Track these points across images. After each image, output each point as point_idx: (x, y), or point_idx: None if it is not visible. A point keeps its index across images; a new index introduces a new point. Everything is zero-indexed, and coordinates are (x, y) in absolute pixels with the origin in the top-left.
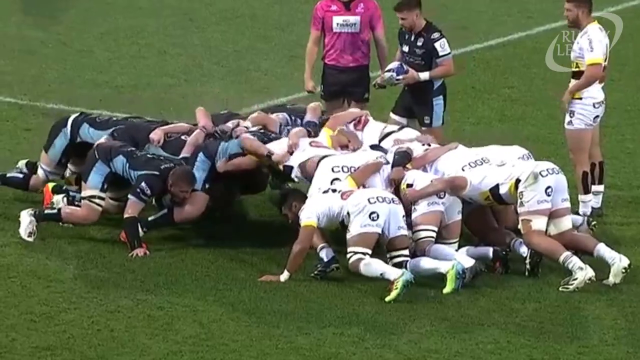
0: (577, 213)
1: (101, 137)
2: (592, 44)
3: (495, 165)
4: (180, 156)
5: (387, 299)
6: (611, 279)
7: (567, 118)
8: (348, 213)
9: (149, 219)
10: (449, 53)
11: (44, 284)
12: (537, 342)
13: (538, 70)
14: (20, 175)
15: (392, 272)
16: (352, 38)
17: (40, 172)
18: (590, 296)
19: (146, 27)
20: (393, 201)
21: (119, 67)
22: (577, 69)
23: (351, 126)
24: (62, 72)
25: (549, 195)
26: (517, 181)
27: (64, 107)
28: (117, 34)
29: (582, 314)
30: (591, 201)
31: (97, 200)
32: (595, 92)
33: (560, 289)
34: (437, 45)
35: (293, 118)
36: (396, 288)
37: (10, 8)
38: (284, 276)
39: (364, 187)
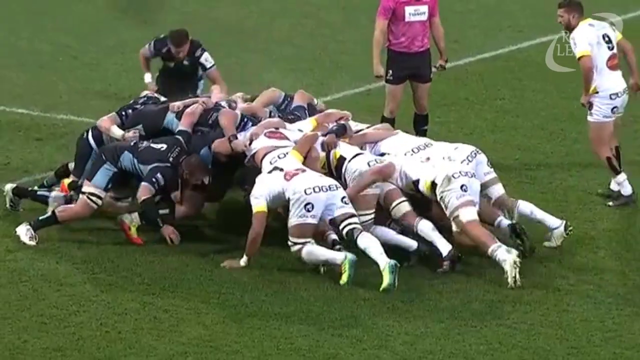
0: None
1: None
2: (575, 40)
3: (419, 161)
4: (178, 129)
5: (341, 282)
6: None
7: (588, 110)
8: (289, 198)
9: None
10: None
11: (55, 287)
12: (527, 343)
13: (529, 83)
14: (47, 194)
15: (335, 257)
16: (422, 25)
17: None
18: (578, 299)
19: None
20: (330, 188)
21: (127, 79)
22: None
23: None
24: (72, 84)
25: (465, 191)
26: (433, 183)
27: (73, 117)
28: (124, 47)
29: (571, 316)
30: (625, 180)
31: (94, 199)
32: (610, 84)
33: (508, 286)
34: None
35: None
36: (345, 271)
37: (23, 22)
38: (244, 260)
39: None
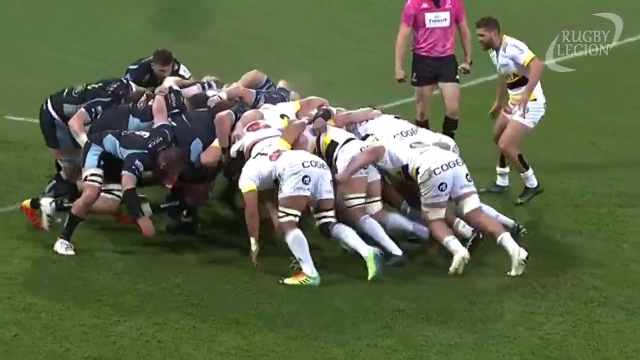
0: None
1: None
2: (519, 46)
3: (409, 146)
4: (156, 125)
5: (286, 281)
6: (513, 271)
7: (519, 112)
8: (280, 173)
9: (161, 205)
10: None
11: (96, 297)
12: (560, 354)
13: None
14: (53, 182)
15: (306, 268)
16: (443, 31)
17: (62, 164)
18: (610, 310)
19: (181, 55)
20: (323, 166)
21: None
22: (514, 79)
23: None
24: None
25: (442, 190)
26: (417, 171)
27: None
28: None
29: (603, 327)
30: (532, 175)
31: (94, 178)
32: (542, 95)
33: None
34: None
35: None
36: (303, 282)
37: (73, 38)
38: (253, 244)
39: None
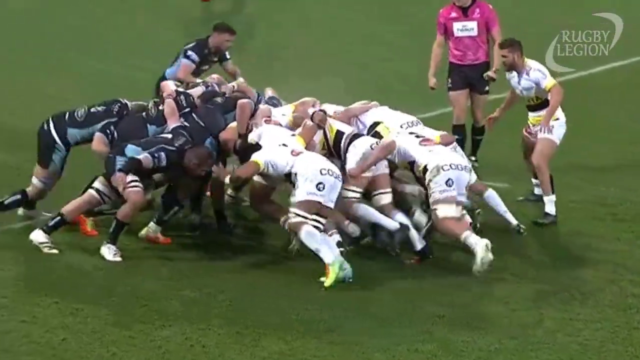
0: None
1: (89, 134)
2: (542, 71)
3: (418, 143)
4: (171, 127)
5: (324, 281)
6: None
7: (546, 130)
8: (296, 173)
9: (165, 217)
10: None
11: (142, 303)
12: None
13: (598, 107)
14: (18, 196)
15: (326, 255)
16: (472, 40)
17: (36, 182)
18: None
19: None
20: (338, 177)
21: None
22: (536, 102)
23: (311, 109)
24: None
25: (449, 186)
26: (425, 168)
27: None
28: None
29: None
30: (554, 202)
31: (134, 183)
32: (562, 113)
33: (474, 272)
34: None
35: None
36: (333, 272)
37: (114, 51)
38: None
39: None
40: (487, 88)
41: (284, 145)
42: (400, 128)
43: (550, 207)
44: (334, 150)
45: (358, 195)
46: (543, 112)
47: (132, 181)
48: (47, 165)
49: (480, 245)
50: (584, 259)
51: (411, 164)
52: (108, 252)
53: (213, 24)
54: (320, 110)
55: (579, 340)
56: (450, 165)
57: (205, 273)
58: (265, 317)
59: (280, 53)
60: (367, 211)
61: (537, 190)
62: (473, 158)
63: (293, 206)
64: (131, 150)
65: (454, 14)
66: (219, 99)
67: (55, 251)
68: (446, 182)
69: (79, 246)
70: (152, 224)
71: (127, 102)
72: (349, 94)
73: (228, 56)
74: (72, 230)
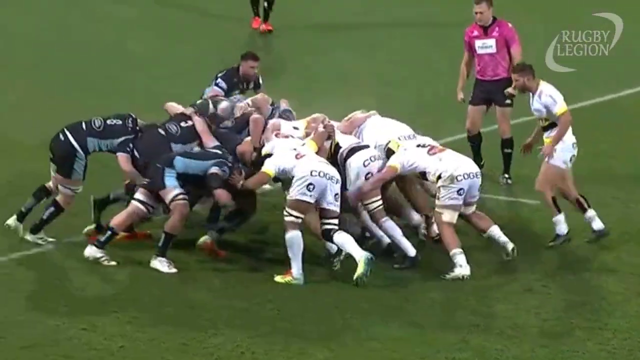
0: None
1: (107, 146)
2: (554, 97)
3: (426, 153)
4: (212, 146)
5: (276, 278)
6: (504, 257)
7: (548, 156)
8: (294, 175)
9: (225, 226)
10: None
11: (195, 312)
12: None
13: (628, 130)
14: (52, 208)
15: (295, 266)
16: (491, 57)
17: (64, 190)
18: None
19: (272, 88)
20: (332, 178)
21: None
22: (546, 123)
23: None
24: None
25: (460, 195)
26: (439, 176)
27: None
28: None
29: None
30: (564, 221)
31: (182, 197)
32: (571, 135)
33: (441, 276)
34: None
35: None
36: (288, 281)
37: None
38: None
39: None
40: (508, 101)
41: (293, 150)
42: (397, 139)
43: (560, 228)
44: (332, 159)
45: (379, 203)
46: (551, 133)
47: (180, 194)
48: (69, 175)
49: (462, 271)
50: (611, 271)
51: (422, 174)
52: (161, 265)
53: (241, 54)
54: (331, 125)
55: (608, 349)
56: (464, 176)
57: (255, 283)
58: (311, 325)
59: (317, 74)
60: (393, 228)
61: (594, 225)
62: (507, 176)
63: (287, 204)
64: (180, 162)
65: (475, 32)
66: (228, 123)
67: (113, 263)
68: (457, 192)
69: (135, 258)
70: (212, 232)
71: (136, 117)
72: (385, 113)
73: (261, 82)
74: (129, 243)
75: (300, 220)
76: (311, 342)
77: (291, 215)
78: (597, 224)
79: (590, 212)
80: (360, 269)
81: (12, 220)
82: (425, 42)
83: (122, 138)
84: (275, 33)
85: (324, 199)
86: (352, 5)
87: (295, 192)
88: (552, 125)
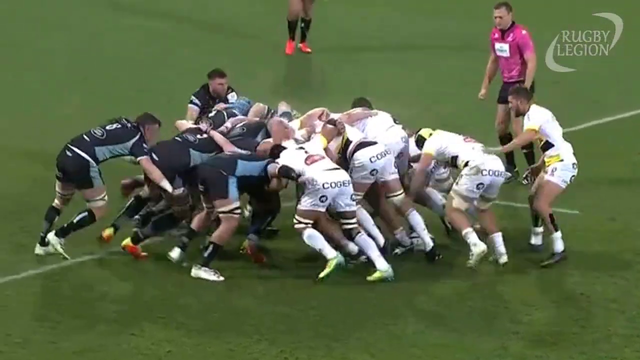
0: None
1: (117, 151)
2: (530, 116)
3: (463, 140)
4: (240, 153)
5: (320, 275)
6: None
7: (550, 171)
8: (305, 182)
9: (262, 228)
10: None
11: (240, 318)
12: None
13: None
14: (85, 214)
15: (328, 252)
16: (506, 61)
17: (94, 204)
18: None
19: (316, 103)
20: (344, 184)
21: None
22: (541, 143)
23: (318, 120)
24: None
25: (478, 189)
26: (466, 164)
27: None
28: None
29: None
30: (560, 239)
31: (237, 212)
32: (571, 155)
33: (467, 265)
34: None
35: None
36: (329, 267)
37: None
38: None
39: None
40: None
41: (302, 149)
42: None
43: (556, 245)
44: (342, 154)
45: (402, 195)
46: (550, 152)
47: (236, 208)
48: (91, 184)
49: (477, 248)
50: None
51: (454, 159)
52: (206, 274)
53: (207, 73)
54: (331, 120)
55: None
56: (489, 172)
57: (297, 289)
58: (353, 331)
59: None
60: (418, 222)
61: (533, 240)
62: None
63: (297, 213)
64: (241, 165)
65: (496, 35)
66: (238, 130)
67: (222, 278)
68: (477, 185)
69: (181, 267)
70: (251, 235)
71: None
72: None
73: (232, 100)
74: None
75: (310, 224)
76: (353, 348)
77: (301, 222)
78: (559, 246)
79: (558, 234)
80: (376, 274)
81: (38, 249)
82: (463, 57)
83: (132, 141)
84: (315, 48)
85: (340, 203)
86: (389, 20)
87: (307, 203)
88: (548, 144)
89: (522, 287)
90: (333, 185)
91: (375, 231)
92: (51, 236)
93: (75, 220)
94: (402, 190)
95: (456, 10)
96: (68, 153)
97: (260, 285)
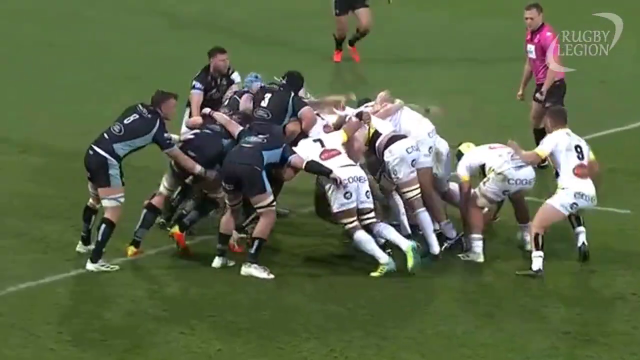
0: None
1: (137, 144)
2: (545, 141)
3: (488, 148)
4: (239, 131)
5: (372, 274)
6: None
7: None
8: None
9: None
10: None
11: (290, 317)
12: None
13: None
14: (104, 225)
15: (381, 256)
16: (533, 62)
17: (108, 202)
18: None
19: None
20: (360, 179)
21: None
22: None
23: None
24: None
25: (503, 194)
26: (492, 169)
27: None
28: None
29: None
30: (541, 257)
31: (274, 204)
32: (576, 186)
33: (459, 255)
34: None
35: None
36: (380, 272)
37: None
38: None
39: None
40: (547, 104)
41: (319, 141)
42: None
43: (536, 264)
44: (369, 146)
45: (417, 192)
46: (558, 180)
47: (273, 200)
48: (108, 182)
49: (476, 257)
50: None
51: (482, 167)
52: (257, 271)
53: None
54: (358, 113)
55: None
56: (516, 181)
57: (348, 288)
58: (403, 330)
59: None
60: (426, 222)
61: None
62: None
63: (337, 218)
64: (265, 157)
65: (527, 37)
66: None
67: (272, 276)
68: (503, 192)
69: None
70: (234, 232)
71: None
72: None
73: (234, 78)
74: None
75: (357, 224)
76: (403, 347)
77: (347, 224)
78: (536, 265)
79: (540, 252)
80: (410, 262)
81: (80, 247)
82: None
83: (153, 131)
84: (372, 48)
85: (357, 199)
86: (440, 19)
87: (336, 205)
88: (557, 173)
89: (572, 288)
90: (352, 180)
91: (405, 222)
92: (89, 266)
93: (99, 239)
94: (418, 186)
95: (504, 10)
96: (90, 152)
97: (309, 283)
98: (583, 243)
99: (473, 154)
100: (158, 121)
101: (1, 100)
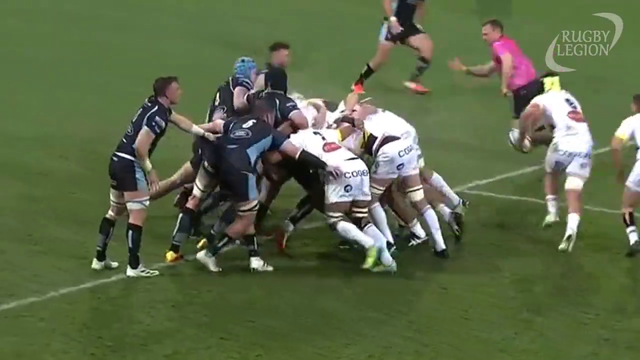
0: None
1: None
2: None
3: (566, 112)
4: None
5: (364, 266)
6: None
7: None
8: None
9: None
10: None
11: (329, 322)
12: None
13: None
14: (131, 231)
15: (366, 241)
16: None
17: (134, 205)
18: None
19: (397, 106)
20: (363, 173)
21: None
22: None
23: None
24: None
25: (557, 166)
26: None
27: None
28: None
29: None
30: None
31: (255, 209)
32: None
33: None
34: None
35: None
36: (371, 255)
37: None
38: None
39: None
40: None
41: (319, 134)
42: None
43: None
44: (366, 149)
45: (422, 191)
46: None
47: (256, 205)
48: (135, 186)
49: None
50: None
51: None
52: (212, 265)
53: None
54: (347, 118)
55: None
56: (564, 153)
57: (388, 294)
58: (443, 337)
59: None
60: (432, 219)
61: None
62: None
63: (327, 209)
64: (252, 152)
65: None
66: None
67: (270, 268)
68: (556, 162)
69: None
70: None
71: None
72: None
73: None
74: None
75: (342, 217)
76: (442, 354)
77: (333, 217)
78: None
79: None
80: (368, 260)
81: (95, 264)
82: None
83: (146, 116)
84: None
85: (357, 192)
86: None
87: (333, 196)
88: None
89: (613, 294)
90: (355, 174)
91: (387, 232)
92: (129, 272)
93: (130, 245)
94: (421, 185)
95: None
96: (114, 158)
97: (347, 288)
98: (636, 242)
99: (554, 103)
100: (157, 106)
101: (44, 105)
